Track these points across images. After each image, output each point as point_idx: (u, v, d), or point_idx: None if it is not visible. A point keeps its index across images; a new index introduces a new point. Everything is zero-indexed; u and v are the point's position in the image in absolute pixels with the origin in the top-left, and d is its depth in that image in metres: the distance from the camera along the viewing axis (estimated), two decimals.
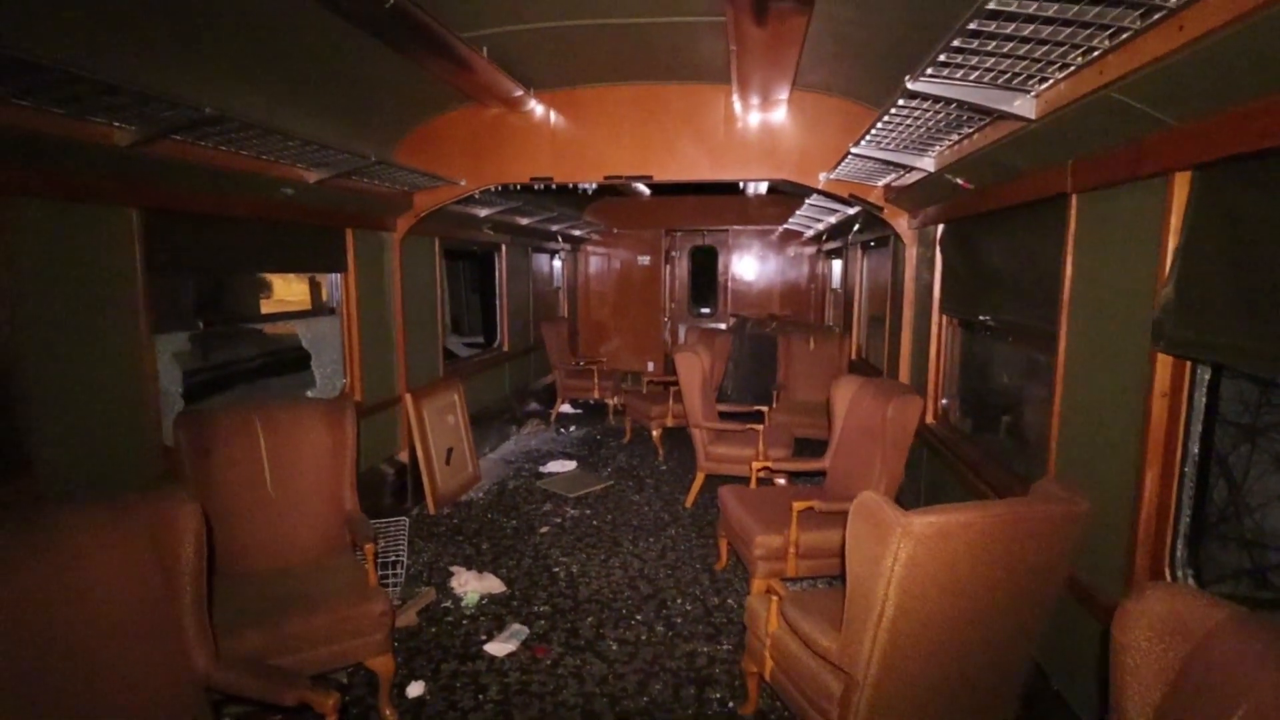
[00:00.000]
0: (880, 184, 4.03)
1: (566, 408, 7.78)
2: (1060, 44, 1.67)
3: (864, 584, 1.96)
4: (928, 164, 3.10)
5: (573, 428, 7.36)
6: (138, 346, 2.87)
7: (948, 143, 2.84)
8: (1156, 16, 1.47)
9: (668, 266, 9.50)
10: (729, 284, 9.55)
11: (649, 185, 7.17)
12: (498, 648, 3.20)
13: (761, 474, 4.10)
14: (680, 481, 5.62)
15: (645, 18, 3.23)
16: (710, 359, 5.27)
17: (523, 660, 3.14)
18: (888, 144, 2.98)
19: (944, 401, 3.88)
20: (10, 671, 1.62)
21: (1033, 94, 1.99)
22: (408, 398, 4.86)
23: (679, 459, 6.26)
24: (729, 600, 3.71)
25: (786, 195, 8.10)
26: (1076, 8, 1.48)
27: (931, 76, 1.93)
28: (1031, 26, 1.58)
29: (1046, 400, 2.82)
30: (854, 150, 3.05)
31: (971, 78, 1.92)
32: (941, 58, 1.79)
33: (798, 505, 3.27)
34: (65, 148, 2.44)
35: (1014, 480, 2.84)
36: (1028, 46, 1.69)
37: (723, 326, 8.99)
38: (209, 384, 4.65)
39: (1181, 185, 1.73)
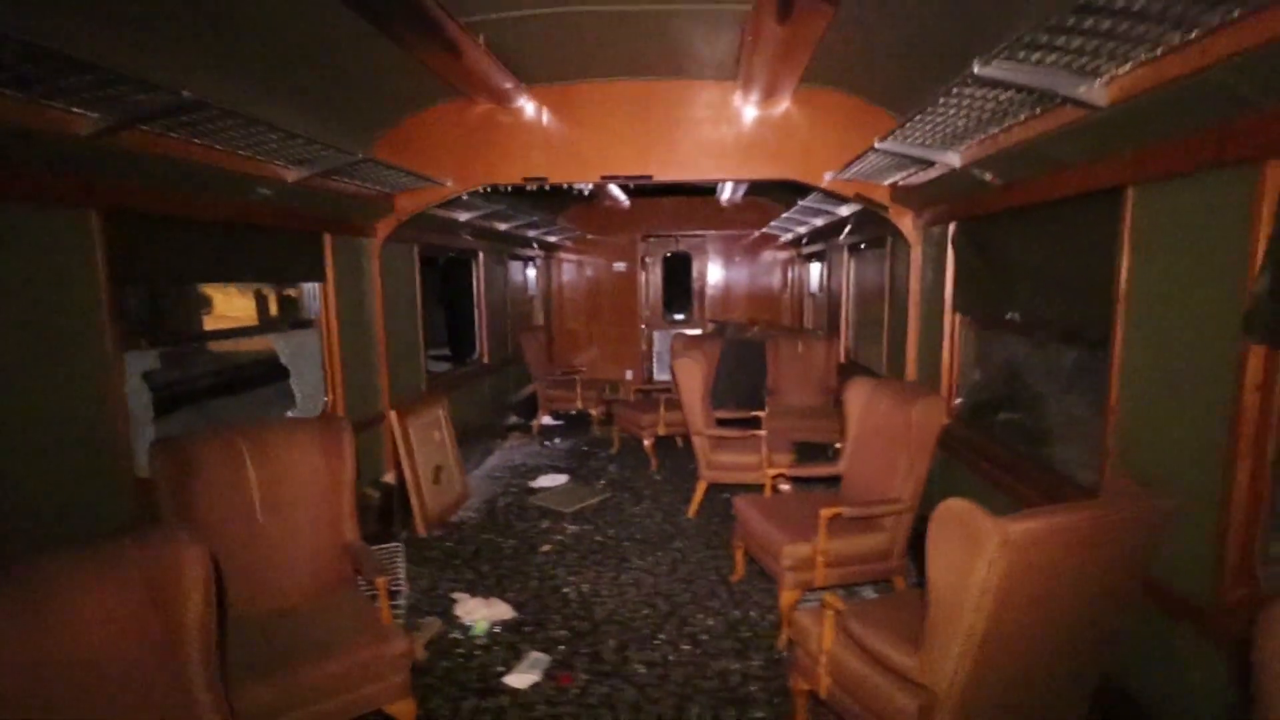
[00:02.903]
0: (887, 182, 3.98)
1: (548, 419, 7.52)
2: (1159, 21, 1.58)
3: (950, 596, 1.84)
4: (953, 159, 3.03)
5: (557, 440, 7.12)
6: (104, 367, 2.55)
7: (979, 137, 2.78)
8: None
9: (643, 273, 9.35)
10: (704, 289, 9.46)
11: (637, 186, 7.03)
12: (519, 679, 2.97)
13: (776, 481, 3.98)
14: (678, 491, 5.46)
15: (647, 4, 3.08)
16: (706, 365, 5.13)
17: (548, 691, 2.92)
18: (916, 139, 2.90)
19: (958, 401, 3.84)
20: None
21: (1105, 78, 1.92)
22: (392, 415, 4.56)
23: (672, 468, 6.10)
24: (751, 613, 3.57)
25: (765, 199, 8.09)
26: None
27: (1007, 58, 1.83)
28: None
29: (1091, 398, 2.77)
30: (879, 145, 2.96)
31: (1049, 60, 1.83)
32: (1026, 38, 1.69)
33: (825, 513, 3.15)
34: (15, 138, 2.13)
35: (1056, 480, 2.77)
36: (1126, 24, 1.60)
37: (698, 332, 8.88)
38: (168, 401, 4.27)
39: (1276, 172, 1.67)
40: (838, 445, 5.96)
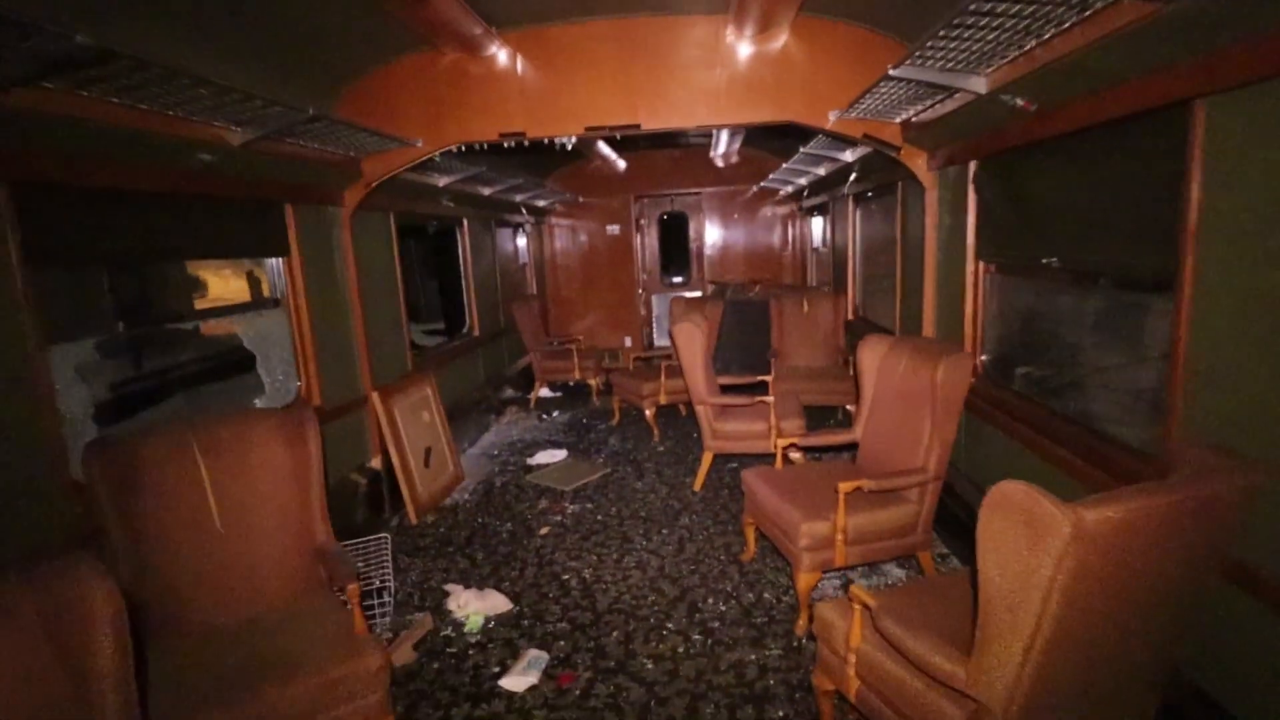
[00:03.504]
0: (899, 119, 3.59)
1: (545, 391, 7.25)
2: None
3: (1008, 598, 1.55)
4: (978, 85, 2.66)
5: (555, 413, 6.84)
6: (23, 361, 2.24)
7: (1011, 55, 2.40)
8: None
9: (638, 235, 8.96)
10: (702, 250, 9.07)
11: (627, 142, 6.62)
12: (515, 681, 2.73)
13: (787, 450, 3.70)
14: (682, 463, 5.19)
15: None
16: (707, 329, 4.81)
17: (547, 694, 2.68)
18: (936, 63, 2.53)
19: (983, 358, 3.52)
20: None
21: None
22: (375, 397, 4.26)
23: (675, 438, 5.83)
24: (765, 595, 3.32)
25: (761, 152, 7.66)
26: None
27: None
28: None
29: (1146, 350, 2.46)
30: (894, 72, 2.59)
31: None
32: None
33: (845, 487, 2.87)
34: None
35: (1100, 441, 2.47)
36: None
37: (698, 294, 8.53)
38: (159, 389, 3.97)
39: None
40: (849, 407, 5.68)
